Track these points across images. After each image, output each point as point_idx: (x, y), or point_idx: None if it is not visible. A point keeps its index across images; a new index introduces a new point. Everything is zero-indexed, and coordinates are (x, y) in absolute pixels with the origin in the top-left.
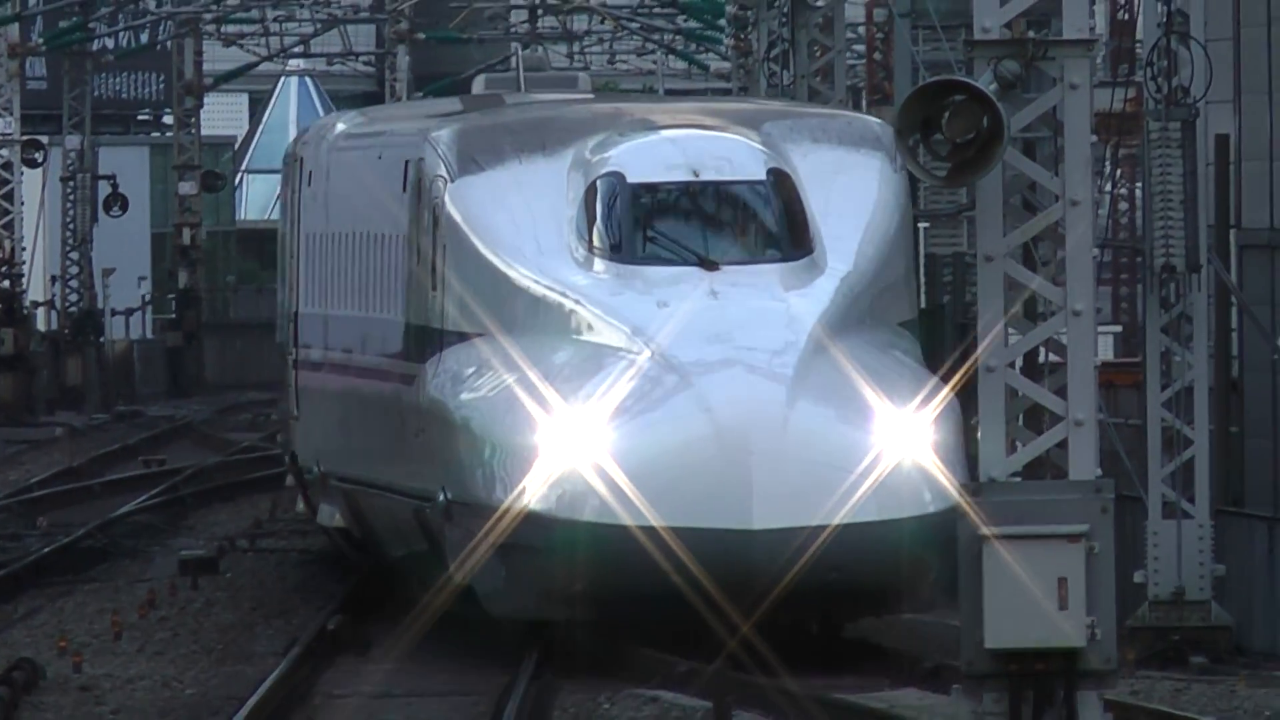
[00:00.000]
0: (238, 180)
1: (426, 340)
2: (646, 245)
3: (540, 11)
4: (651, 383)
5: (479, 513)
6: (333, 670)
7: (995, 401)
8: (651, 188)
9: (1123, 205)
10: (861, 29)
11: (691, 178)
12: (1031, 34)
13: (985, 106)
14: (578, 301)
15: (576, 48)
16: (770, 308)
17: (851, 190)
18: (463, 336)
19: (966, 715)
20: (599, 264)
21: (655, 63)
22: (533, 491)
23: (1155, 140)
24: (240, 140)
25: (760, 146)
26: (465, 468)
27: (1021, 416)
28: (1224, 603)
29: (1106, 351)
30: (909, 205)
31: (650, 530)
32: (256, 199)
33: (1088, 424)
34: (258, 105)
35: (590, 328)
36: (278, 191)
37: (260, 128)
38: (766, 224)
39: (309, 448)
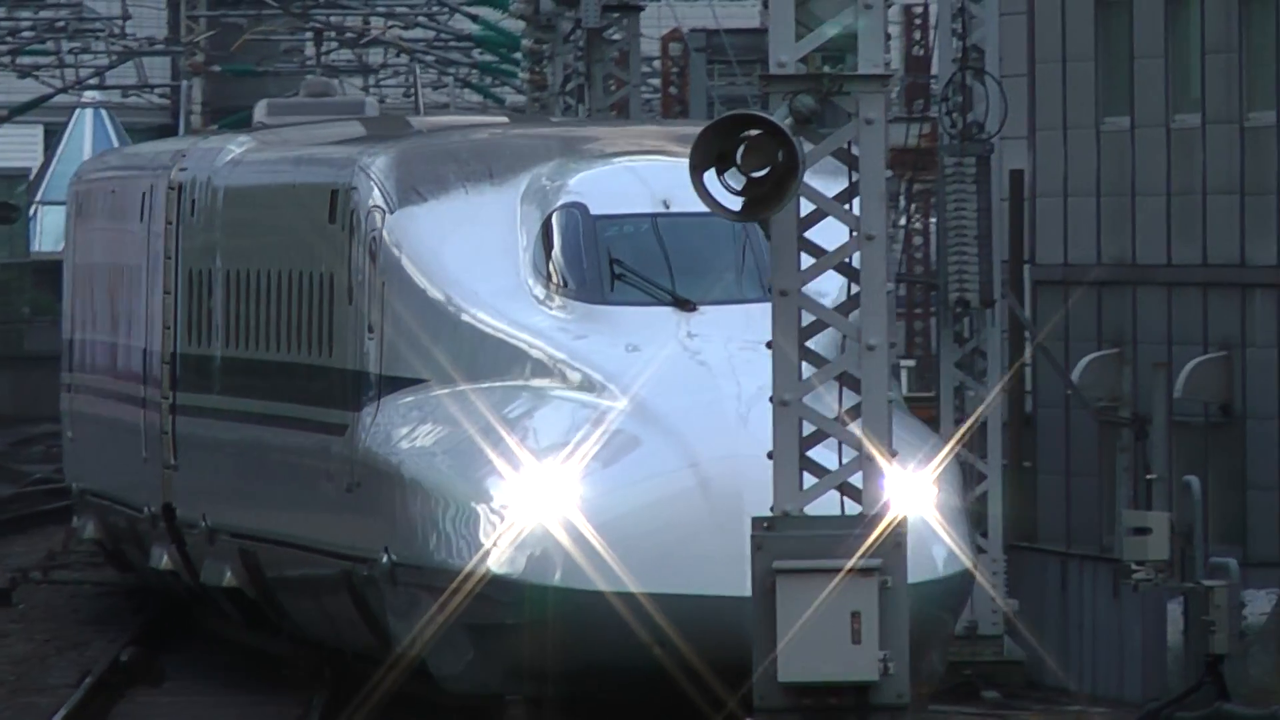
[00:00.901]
0: (32, 212)
1: (361, 386)
2: (614, 284)
3: (336, 45)
4: (629, 435)
5: (432, 577)
6: (126, 702)
7: (789, 435)
8: (618, 220)
9: (918, 240)
10: (657, 63)
11: (661, 209)
12: (827, 69)
13: (780, 141)
14: (539, 345)
15: (372, 80)
16: (757, 353)
17: (830, 221)
18: (405, 383)
19: None
20: (561, 304)
21: (450, 96)
22: (499, 554)
23: (950, 175)
24: (35, 172)
25: None
26: (415, 527)
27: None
28: (1017, 638)
29: (902, 386)
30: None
31: (630, 597)
32: (51, 230)
33: (880, 458)
34: (52, 137)
35: (555, 374)
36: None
37: (55, 159)
38: (744, 260)
39: (193, 499)
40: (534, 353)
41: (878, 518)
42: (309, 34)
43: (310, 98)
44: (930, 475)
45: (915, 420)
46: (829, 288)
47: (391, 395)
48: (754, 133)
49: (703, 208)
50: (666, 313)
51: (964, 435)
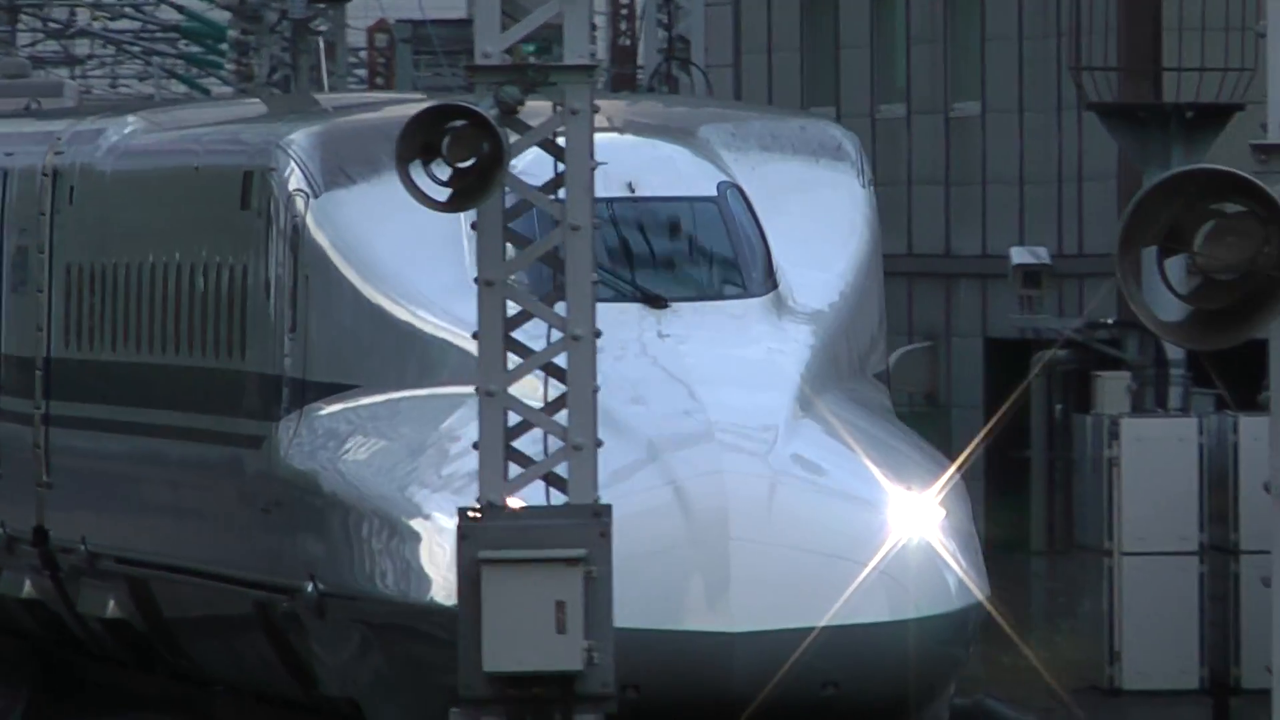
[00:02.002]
0: None
1: (280, 393)
2: None
3: (43, 35)
4: (600, 450)
5: (369, 609)
6: None
7: (495, 426)
8: None
9: None
10: (364, 54)
11: (626, 193)
12: (532, 60)
13: (485, 132)
14: (465, 345)
15: (79, 71)
16: (740, 356)
17: (815, 211)
18: (333, 389)
19: None
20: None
21: (156, 87)
22: (446, 584)
23: None
24: None
25: (704, 156)
26: (348, 553)
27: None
28: None
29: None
30: (879, 230)
31: None
32: None
33: (586, 448)
34: None
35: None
36: None
37: None
38: (720, 251)
39: (68, 522)
40: (459, 354)
41: (583, 508)
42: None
43: (3, 78)
44: (937, 498)
45: (921, 440)
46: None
47: (317, 403)
48: (459, 124)
49: (674, 192)
50: (634, 310)
51: (963, 462)
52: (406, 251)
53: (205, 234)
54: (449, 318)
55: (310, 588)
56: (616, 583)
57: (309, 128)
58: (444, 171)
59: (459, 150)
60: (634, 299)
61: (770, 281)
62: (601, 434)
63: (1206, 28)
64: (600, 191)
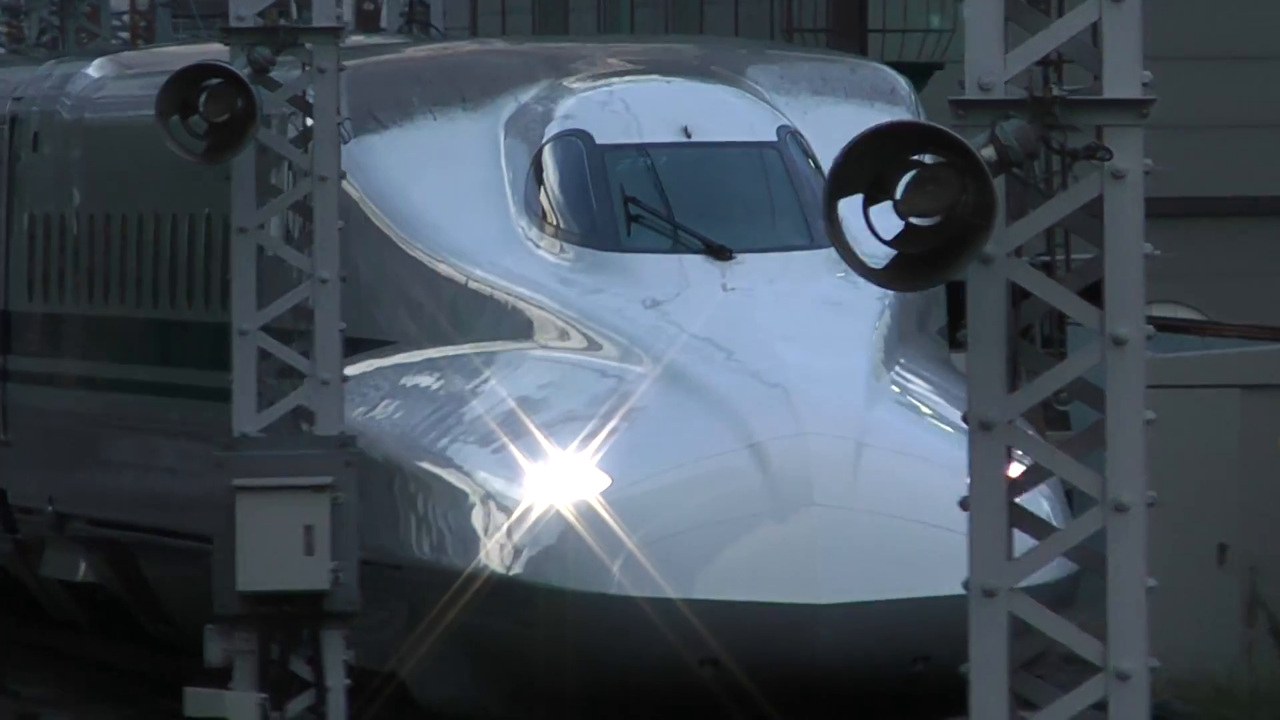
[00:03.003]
0: None
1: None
2: (631, 227)
3: None
4: (670, 412)
5: (417, 580)
6: None
7: (248, 363)
8: (630, 151)
9: None
10: (127, 17)
11: (682, 139)
12: (283, 22)
13: (239, 89)
14: (538, 300)
15: None
16: (812, 312)
17: None
18: (364, 344)
19: (219, 654)
20: (565, 251)
21: None
22: (509, 553)
23: None
24: None
25: (760, 99)
26: (391, 520)
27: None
28: None
29: None
30: None
31: (672, 605)
32: None
33: (333, 384)
34: None
35: (560, 334)
36: None
37: None
38: (783, 200)
39: (31, 482)
40: (532, 310)
41: (330, 439)
42: None
43: None
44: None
45: None
46: None
47: (350, 359)
48: (215, 82)
49: (732, 137)
50: (697, 261)
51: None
52: (444, 200)
53: (207, 183)
54: (494, 270)
55: None
56: (696, 553)
57: None
58: (201, 126)
59: (215, 107)
60: (697, 250)
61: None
62: (675, 392)
63: (908, 28)
64: (654, 136)
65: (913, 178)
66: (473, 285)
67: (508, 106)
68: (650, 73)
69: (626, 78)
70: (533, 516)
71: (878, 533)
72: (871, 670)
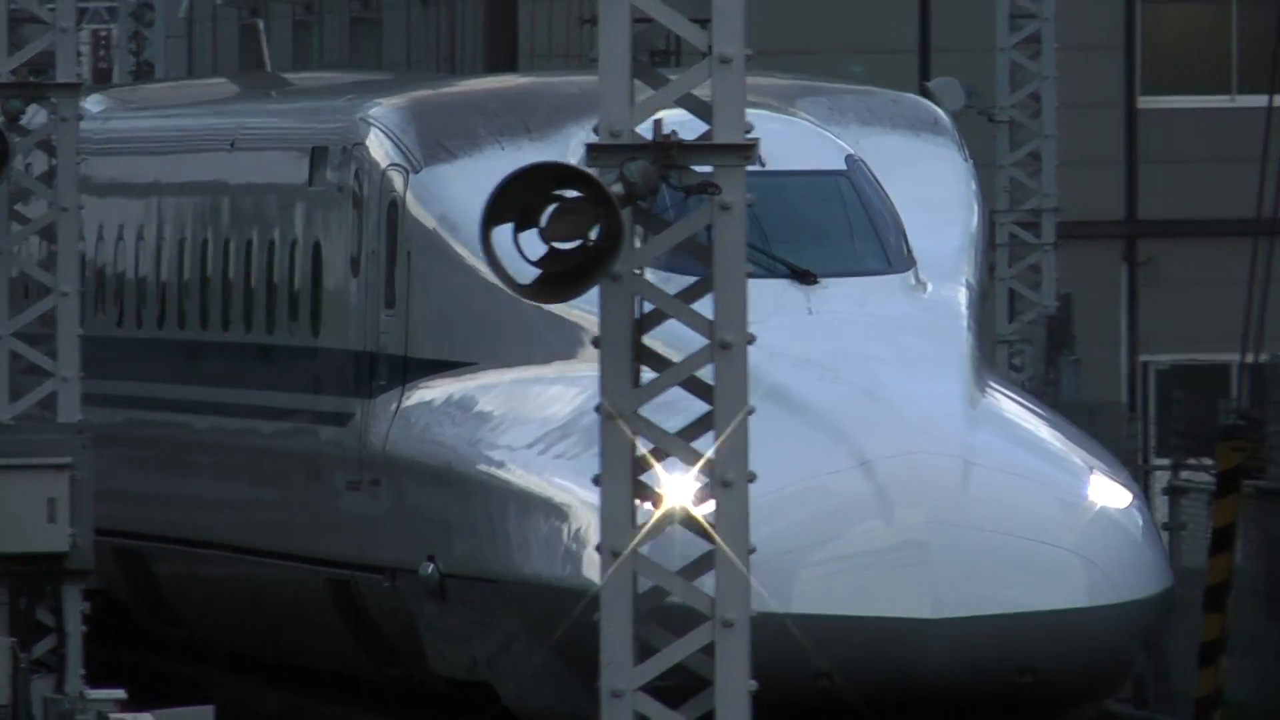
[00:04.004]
0: None
1: (372, 370)
2: None
3: None
4: (777, 431)
5: (517, 593)
6: None
7: (1, 362)
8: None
9: None
10: None
11: (758, 166)
12: (33, 79)
13: None
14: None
15: None
16: (902, 334)
17: (926, 186)
18: (441, 366)
19: None
20: (647, 275)
21: None
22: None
23: None
24: None
25: (823, 129)
26: (494, 535)
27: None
28: None
29: None
30: (983, 205)
31: (788, 620)
32: None
33: (72, 380)
34: None
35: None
36: None
37: None
38: (858, 226)
39: None
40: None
41: (69, 426)
42: None
43: None
44: (1127, 479)
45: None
46: None
47: (425, 379)
48: None
49: (804, 165)
50: (783, 285)
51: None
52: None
53: (256, 212)
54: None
55: (430, 568)
56: (810, 568)
57: (395, 101)
58: None
59: None
60: (782, 275)
61: (910, 257)
62: (779, 411)
63: (554, 55)
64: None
65: (555, 209)
66: (558, 310)
67: (575, 135)
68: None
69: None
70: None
71: (986, 549)
72: (980, 683)
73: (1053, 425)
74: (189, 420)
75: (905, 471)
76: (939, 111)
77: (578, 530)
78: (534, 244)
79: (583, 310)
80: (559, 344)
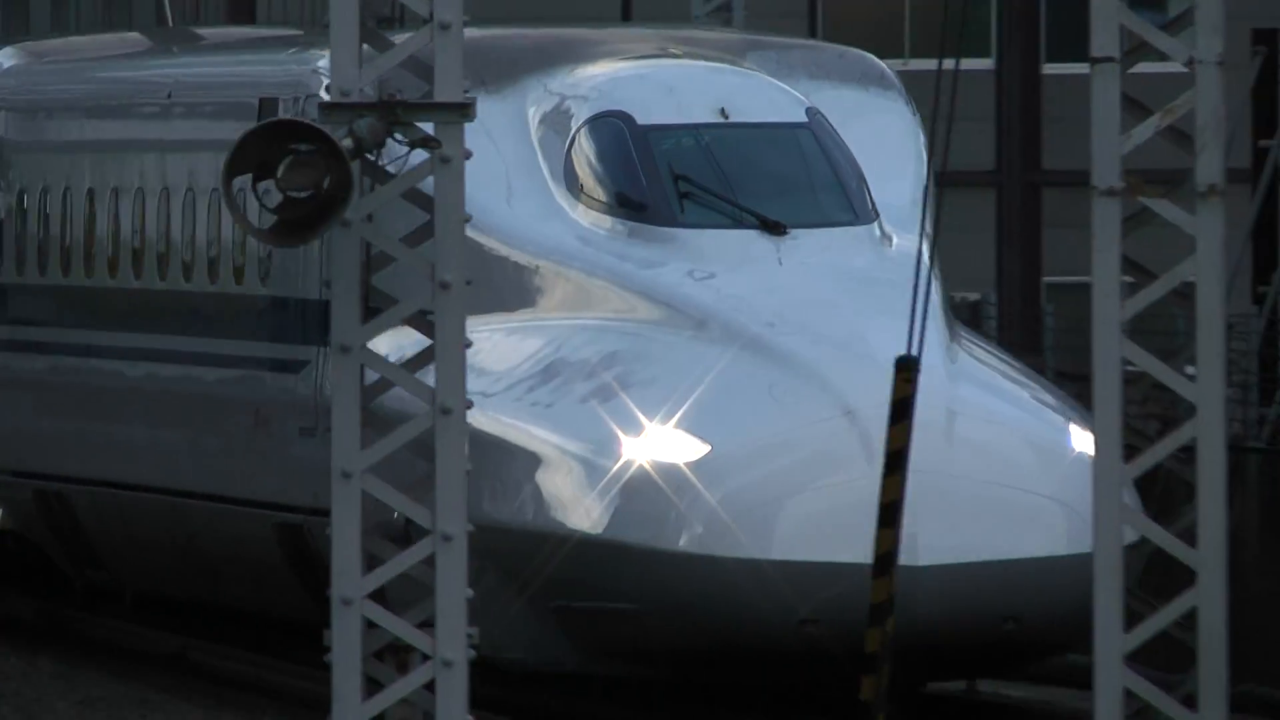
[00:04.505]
0: None
1: (321, 320)
2: (683, 204)
3: None
4: (759, 381)
5: (497, 541)
6: None
7: None
8: (673, 131)
9: None
10: None
11: (720, 119)
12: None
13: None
14: (594, 275)
15: None
16: (874, 285)
17: (878, 139)
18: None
19: None
20: (616, 227)
21: None
22: (606, 516)
23: None
24: None
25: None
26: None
27: None
28: None
29: None
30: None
31: (775, 566)
32: None
33: None
34: None
35: (628, 308)
36: None
37: None
38: (823, 178)
39: None
40: (588, 282)
41: None
42: None
43: None
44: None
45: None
46: None
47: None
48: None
49: (766, 118)
50: (753, 236)
51: None
52: (483, 179)
53: (198, 160)
54: (543, 246)
55: (396, 514)
56: (795, 515)
57: None
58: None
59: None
60: (752, 226)
61: (874, 209)
62: (762, 361)
63: (289, 24)
64: (694, 117)
65: (290, 161)
66: (519, 259)
67: (532, 89)
68: (666, 57)
69: (654, 61)
70: (632, 481)
71: (972, 497)
72: (965, 630)
73: (1025, 376)
74: (138, 368)
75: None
76: (884, 66)
77: (553, 476)
78: (272, 193)
79: (553, 259)
80: (528, 297)
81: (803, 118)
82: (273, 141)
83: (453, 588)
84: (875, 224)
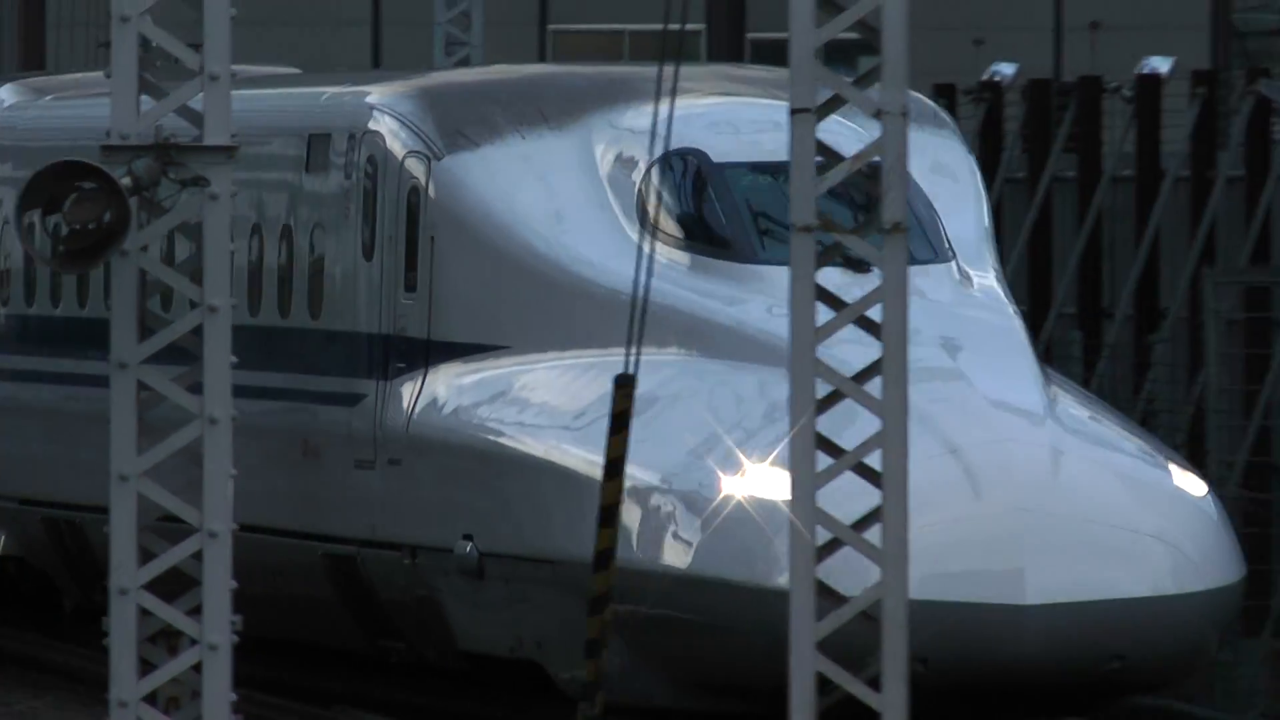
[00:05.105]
0: None
1: (388, 353)
2: (764, 241)
3: None
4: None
5: (573, 574)
6: None
7: None
8: (747, 169)
9: None
10: None
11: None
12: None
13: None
14: (675, 308)
15: None
16: (965, 322)
17: (942, 177)
18: (469, 349)
19: None
20: (693, 263)
21: None
22: (707, 551)
23: None
24: None
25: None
26: (548, 517)
27: None
28: None
29: None
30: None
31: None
32: None
33: None
34: None
35: (710, 343)
36: None
37: None
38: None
39: None
40: (668, 316)
41: None
42: None
43: None
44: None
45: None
46: None
47: (448, 363)
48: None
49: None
50: (835, 274)
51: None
52: (555, 214)
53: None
54: (620, 280)
55: (469, 548)
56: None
57: (407, 90)
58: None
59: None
60: (833, 264)
61: (951, 247)
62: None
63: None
64: (767, 155)
65: (75, 197)
66: (600, 295)
67: (597, 125)
68: (729, 95)
69: (719, 99)
70: (733, 516)
71: (1078, 536)
72: (1072, 669)
73: (1116, 415)
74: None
75: (996, 459)
76: (936, 106)
77: (634, 513)
78: (60, 225)
79: (621, 293)
80: (595, 330)
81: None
82: (61, 179)
83: (218, 579)
84: (954, 262)
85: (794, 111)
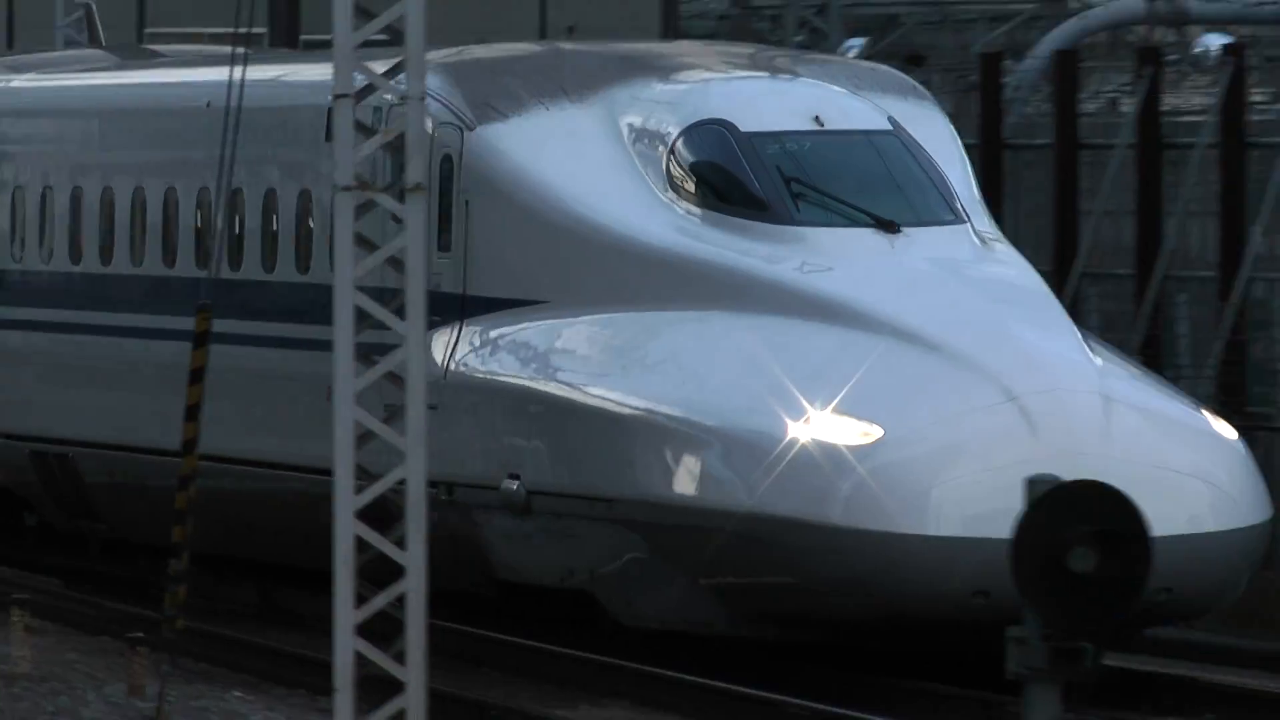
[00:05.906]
0: None
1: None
2: (798, 203)
3: None
4: (919, 368)
5: (631, 511)
6: None
7: None
8: (774, 137)
9: None
10: None
11: (816, 127)
12: None
13: None
14: (715, 266)
15: None
16: (995, 280)
17: (933, 145)
18: (505, 304)
19: None
20: (733, 224)
21: None
22: (786, 493)
23: None
24: None
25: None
26: (608, 458)
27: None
28: None
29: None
30: None
31: (949, 541)
32: None
33: None
34: None
35: (757, 299)
36: None
37: None
38: (916, 180)
39: None
40: (709, 274)
41: None
42: None
43: None
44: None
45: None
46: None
47: (487, 315)
48: None
49: (862, 125)
50: (868, 234)
51: None
52: (587, 178)
53: (273, 165)
54: (660, 240)
55: (517, 485)
56: (965, 491)
57: (434, 66)
58: None
59: None
60: (866, 225)
61: (963, 209)
62: (916, 351)
63: None
64: (793, 125)
65: None
66: (641, 253)
67: (619, 98)
68: (745, 69)
69: (738, 72)
70: (798, 458)
71: (1130, 477)
72: None
73: (1142, 367)
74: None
75: (1053, 406)
76: (912, 80)
77: (702, 454)
78: None
79: (672, 253)
80: (633, 284)
81: (888, 125)
82: None
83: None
84: (969, 223)
85: (336, 96)
